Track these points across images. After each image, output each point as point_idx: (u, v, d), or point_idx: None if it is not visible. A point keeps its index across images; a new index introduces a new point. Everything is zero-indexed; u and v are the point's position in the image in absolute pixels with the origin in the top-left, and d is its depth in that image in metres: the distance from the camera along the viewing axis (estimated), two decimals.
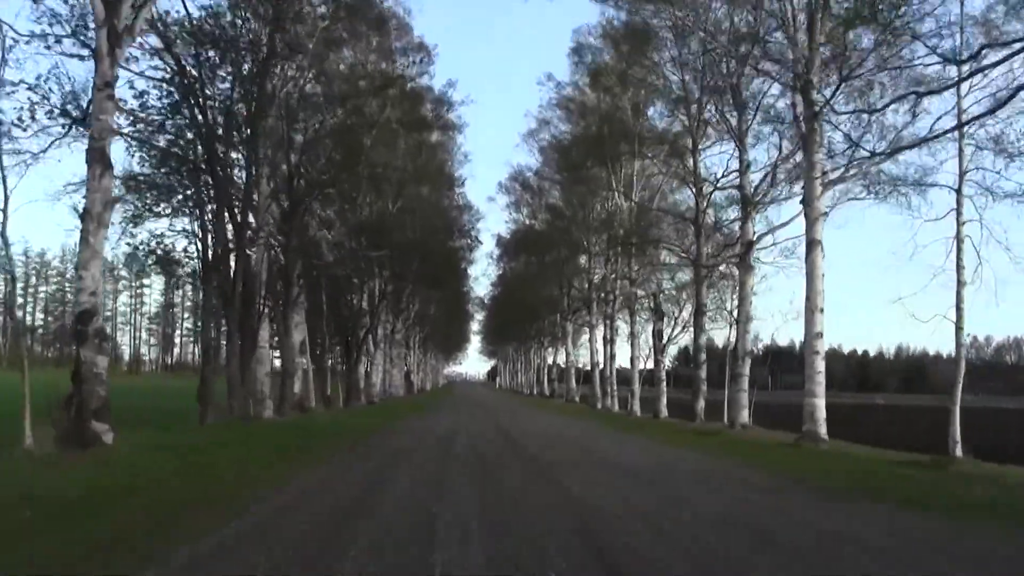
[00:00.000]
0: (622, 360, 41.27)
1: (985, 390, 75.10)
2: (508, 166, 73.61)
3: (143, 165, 17.82)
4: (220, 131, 17.18)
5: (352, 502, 7.48)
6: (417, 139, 29.86)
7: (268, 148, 18.85)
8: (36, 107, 13.56)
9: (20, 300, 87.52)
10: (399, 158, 27.45)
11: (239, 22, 17.58)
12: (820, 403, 15.79)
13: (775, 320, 37.95)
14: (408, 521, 6.54)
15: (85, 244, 10.10)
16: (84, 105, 13.09)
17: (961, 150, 15.74)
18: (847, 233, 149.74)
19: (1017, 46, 12.24)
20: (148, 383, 61.40)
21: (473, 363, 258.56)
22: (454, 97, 34.09)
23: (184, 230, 18.03)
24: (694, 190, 25.07)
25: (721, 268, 26.04)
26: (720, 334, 27.54)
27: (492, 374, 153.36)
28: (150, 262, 19.38)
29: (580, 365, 52.21)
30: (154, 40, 15.82)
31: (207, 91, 16.87)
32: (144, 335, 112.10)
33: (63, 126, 13.76)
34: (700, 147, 24.78)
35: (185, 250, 18.79)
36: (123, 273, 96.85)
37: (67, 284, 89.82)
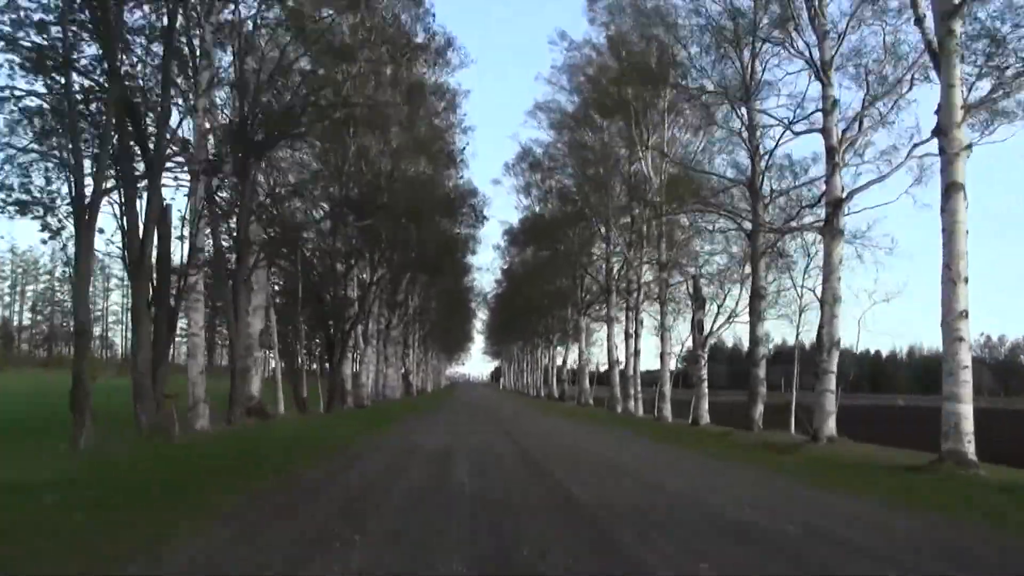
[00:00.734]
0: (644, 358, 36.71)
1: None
2: (515, 141, 64.60)
3: None
4: None
5: None
6: (407, 77, 24.87)
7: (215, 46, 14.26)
8: None
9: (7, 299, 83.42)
10: (386, 94, 22.42)
11: None
12: (967, 410, 11.11)
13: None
14: None
15: None
16: None
17: None
18: None
19: None
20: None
21: (476, 363, 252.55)
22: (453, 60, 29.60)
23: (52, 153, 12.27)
24: (749, 147, 20.34)
25: (778, 244, 21.35)
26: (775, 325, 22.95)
27: (496, 375, 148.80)
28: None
29: (594, 365, 47.52)
30: None
31: None
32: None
33: None
34: (755, 93, 20.02)
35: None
36: (115, 272, 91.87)
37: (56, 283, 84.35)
